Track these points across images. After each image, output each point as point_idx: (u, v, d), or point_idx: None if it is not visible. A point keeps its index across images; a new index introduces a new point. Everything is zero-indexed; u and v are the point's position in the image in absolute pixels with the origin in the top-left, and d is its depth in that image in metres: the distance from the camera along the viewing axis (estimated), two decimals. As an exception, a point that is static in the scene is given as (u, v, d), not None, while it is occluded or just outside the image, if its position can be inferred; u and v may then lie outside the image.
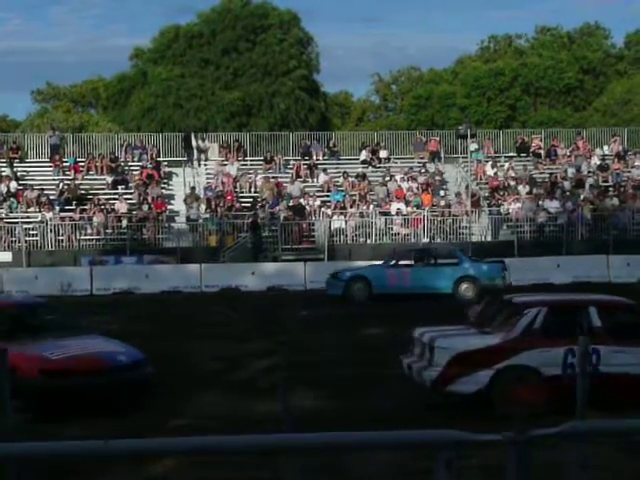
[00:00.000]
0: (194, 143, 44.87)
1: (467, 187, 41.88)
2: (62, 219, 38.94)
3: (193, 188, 41.49)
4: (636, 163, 45.23)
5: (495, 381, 12.71)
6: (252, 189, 42.56)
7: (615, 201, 41.51)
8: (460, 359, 12.84)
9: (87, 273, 34.07)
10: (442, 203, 41.26)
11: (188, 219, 40.04)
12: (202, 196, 41.13)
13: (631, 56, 74.97)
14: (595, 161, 45.46)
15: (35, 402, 12.53)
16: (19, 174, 42.63)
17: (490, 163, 44.50)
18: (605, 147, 47.30)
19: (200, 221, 39.56)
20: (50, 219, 38.59)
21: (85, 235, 38.76)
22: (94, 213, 39.11)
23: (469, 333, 13.70)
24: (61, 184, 41.42)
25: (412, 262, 30.45)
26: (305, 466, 7.74)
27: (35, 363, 12.90)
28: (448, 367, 12.83)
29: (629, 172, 44.76)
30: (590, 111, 70.21)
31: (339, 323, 23.49)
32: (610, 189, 42.93)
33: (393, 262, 30.41)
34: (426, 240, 39.09)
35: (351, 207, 40.71)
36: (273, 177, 42.76)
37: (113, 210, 39.70)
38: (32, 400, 12.42)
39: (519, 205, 40.97)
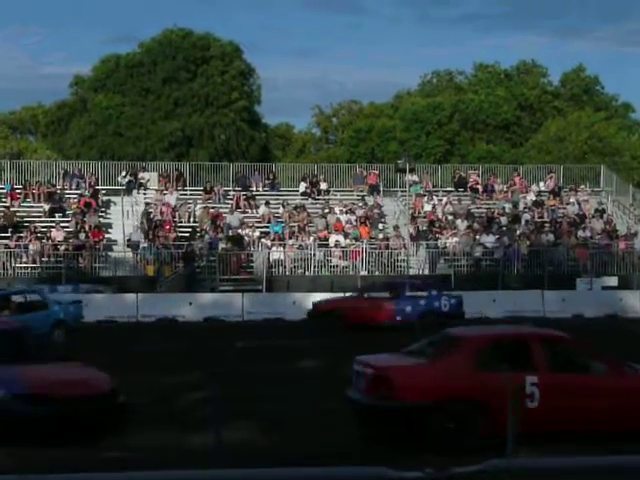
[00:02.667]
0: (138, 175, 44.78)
1: (410, 220, 42.20)
2: (-3, 246, 38.48)
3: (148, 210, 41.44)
4: (571, 200, 45.96)
5: None
6: (191, 219, 42.47)
7: (550, 237, 42.10)
8: None
9: (22, 301, 33.55)
10: (380, 236, 41.50)
11: (129, 241, 39.83)
12: (140, 226, 40.90)
13: (567, 94, 76.31)
14: (531, 197, 46.12)
15: None
16: (-46, 200, 42.10)
17: (428, 197, 44.93)
18: (541, 184, 48.00)
19: (140, 246, 39.29)
20: (-15, 246, 38.12)
21: (20, 263, 38.30)
22: (30, 241, 38.68)
23: None
24: (-3, 211, 41.00)
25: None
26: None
27: None
28: None
29: (564, 209, 45.46)
30: (527, 147, 71.23)
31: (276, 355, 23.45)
32: (546, 225, 43.53)
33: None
34: (364, 272, 39.25)
35: (290, 239, 40.77)
36: (213, 207, 42.74)
37: (49, 238, 39.30)
38: None
39: (456, 239, 41.36)
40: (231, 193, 44.83)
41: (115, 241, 40.63)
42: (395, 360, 13.61)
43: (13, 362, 13.79)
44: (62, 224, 40.36)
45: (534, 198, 46.05)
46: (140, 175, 45.03)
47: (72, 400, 13.08)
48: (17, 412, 12.65)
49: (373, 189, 45.97)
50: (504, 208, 44.65)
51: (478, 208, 45.23)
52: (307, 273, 39.50)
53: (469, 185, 47.07)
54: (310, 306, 34.58)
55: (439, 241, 41.49)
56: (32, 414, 12.70)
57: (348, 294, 32.30)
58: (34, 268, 38.28)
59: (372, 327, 28.23)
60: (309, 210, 43.46)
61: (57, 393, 13.08)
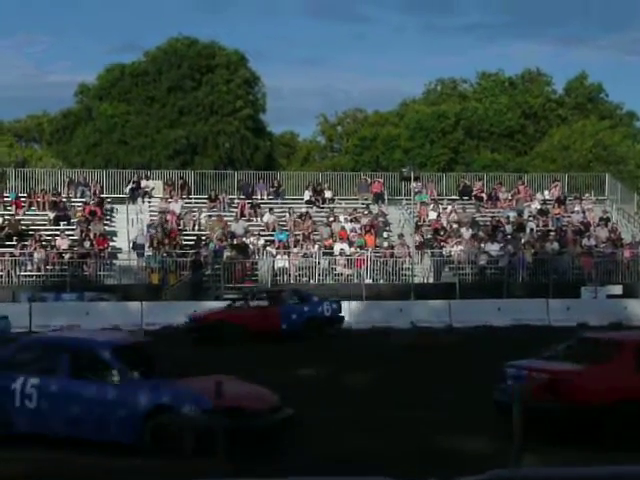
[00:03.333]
0: (142, 184, 44.82)
1: (414, 228, 42.18)
2: (2, 254, 38.45)
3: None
4: (576, 208, 45.93)
5: None
6: (196, 227, 42.48)
7: (555, 245, 42.05)
8: None
9: (26, 310, 33.58)
10: (385, 244, 41.48)
11: (134, 244, 39.88)
12: (145, 233, 40.93)
13: (571, 102, 76.26)
14: (536, 206, 46.08)
15: None
16: (-41, 208, 42.15)
17: (433, 206, 44.92)
18: (546, 192, 47.98)
19: (145, 253, 39.31)
20: (-10, 254, 38.17)
21: (25, 271, 38.32)
22: (35, 249, 38.71)
23: None
24: (2, 219, 41.01)
25: None
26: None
27: None
28: None
29: (569, 217, 45.41)
30: (532, 155, 71.18)
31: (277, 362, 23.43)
32: (550, 233, 43.48)
33: None
34: (369, 281, 39.19)
35: (295, 247, 40.75)
36: (218, 215, 42.77)
37: (54, 246, 39.32)
38: None
39: (461, 248, 41.32)
40: (236, 201, 44.84)
41: (120, 249, 40.63)
42: (559, 365, 14.08)
43: (165, 376, 13.66)
44: (67, 232, 40.39)
45: (539, 206, 46.00)
46: (144, 183, 45.05)
47: (258, 413, 12.98)
48: (207, 427, 12.34)
49: (378, 197, 45.95)
50: (509, 216, 44.61)
51: (483, 216, 45.21)
52: (312, 281, 39.45)
53: (474, 193, 47.04)
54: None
55: (444, 249, 41.45)
56: (224, 428, 12.27)
57: (226, 304, 31.72)
58: (39, 276, 38.30)
59: (259, 336, 28.10)
60: (314, 218, 43.44)
61: (245, 407, 12.93)
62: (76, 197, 43.95)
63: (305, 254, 40.32)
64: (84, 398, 13.16)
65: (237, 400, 12.90)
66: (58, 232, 40.32)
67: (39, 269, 38.37)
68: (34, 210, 42.64)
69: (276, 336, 28.66)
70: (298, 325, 29.39)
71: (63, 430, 13.25)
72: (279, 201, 45.63)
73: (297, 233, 41.78)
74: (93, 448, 12.76)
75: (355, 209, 44.49)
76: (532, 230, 43.41)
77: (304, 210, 44.13)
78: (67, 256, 38.79)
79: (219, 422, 12.16)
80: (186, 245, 40.54)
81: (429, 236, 42.59)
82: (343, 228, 42.22)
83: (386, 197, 46.40)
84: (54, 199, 42.81)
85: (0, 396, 13.49)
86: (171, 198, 44.01)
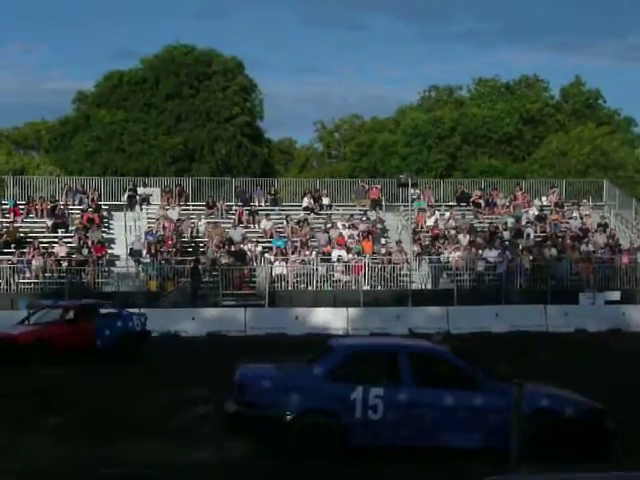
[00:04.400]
0: (139, 191, 44.86)
1: (412, 233, 42.19)
2: (0, 262, 38.46)
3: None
4: (574, 214, 45.94)
5: None
6: (194, 234, 42.50)
7: (553, 251, 42.04)
8: None
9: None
10: (383, 251, 41.47)
11: (131, 250, 39.86)
12: (143, 240, 40.93)
13: (569, 108, 76.34)
14: (534, 212, 46.09)
15: None
16: (-43, 216, 42.16)
17: (430, 212, 44.93)
18: (543, 198, 47.98)
19: (141, 260, 39.31)
20: (-12, 262, 38.16)
21: (24, 278, 38.30)
22: (33, 256, 38.69)
23: None
24: (0, 226, 41.01)
25: None
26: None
27: None
28: None
29: (567, 223, 45.43)
30: (530, 161, 71.19)
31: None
32: (548, 239, 43.46)
33: None
34: (366, 287, 39.18)
35: (292, 253, 40.74)
36: (215, 222, 42.80)
37: (52, 253, 39.32)
38: None
39: (459, 254, 41.31)
40: (233, 208, 44.85)
41: (118, 256, 40.63)
42: None
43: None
44: (65, 239, 40.40)
45: (537, 212, 46.01)
46: (142, 190, 45.07)
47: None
48: (592, 428, 12.64)
49: (375, 204, 45.95)
50: (506, 223, 44.61)
51: (480, 223, 45.21)
52: (309, 288, 39.46)
53: (471, 200, 47.03)
54: (313, 321, 34.60)
55: (442, 256, 41.43)
56: (608, 429, 12.75)
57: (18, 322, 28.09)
58: (37, 284, 38.28)
59: (76, 354, 25.21)
60: (311, 225, 43.46)
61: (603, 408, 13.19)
62: (74, 204, 43.96)
63: (303, 261, 40.32)
64: (443, 406, 12.66)
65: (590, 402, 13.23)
66: (56, 239, 40.33)
67: (37, 276, 38.35)
68: (32, 217, 42.65)
69: (89, 354, 25.49)
70: (111, 341, 26.60)
71: (415, 441, 12.70)
72: (277, 208, 45.66)
73: (295, 240, 41.77)
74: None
75: (353, 215, 44.52)
76: (530, 236, 43.42)
77: (302, 217, 44.15)
78: (65, 263, 38.79)
79: (604, 423, 12.57)
80: (184, 252, 40.55)
81: (427, 242, 42.58)
82: (341, 234, 42.22)
83: (384, 203, 46.41)
84: (52, 206, 42.83)
85: (336, 407, 12.77)
86: (168, 205, 44.02)
